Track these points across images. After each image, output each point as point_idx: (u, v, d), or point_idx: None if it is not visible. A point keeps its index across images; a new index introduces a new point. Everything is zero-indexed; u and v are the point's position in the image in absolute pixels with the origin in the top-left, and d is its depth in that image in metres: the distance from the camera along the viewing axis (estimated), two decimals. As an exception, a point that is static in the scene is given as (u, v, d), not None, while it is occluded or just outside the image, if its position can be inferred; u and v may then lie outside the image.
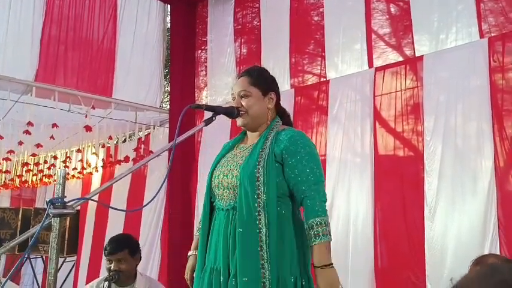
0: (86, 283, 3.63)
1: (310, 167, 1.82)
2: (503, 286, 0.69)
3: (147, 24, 4.93)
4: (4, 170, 6.11)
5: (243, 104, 1.94)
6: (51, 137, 4.15)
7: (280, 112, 2.07)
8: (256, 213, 1.75)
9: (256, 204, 1.76)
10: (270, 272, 1.72)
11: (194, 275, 1.97)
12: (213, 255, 1.86)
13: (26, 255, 3.55)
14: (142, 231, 4.88)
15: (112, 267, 2.70)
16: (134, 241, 2.90)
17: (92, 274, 5.15)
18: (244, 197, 1.78)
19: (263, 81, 2.00)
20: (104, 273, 2.93)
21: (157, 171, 4.85)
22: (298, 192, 1.81)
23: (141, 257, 2.90)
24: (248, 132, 2.04)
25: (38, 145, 4.23)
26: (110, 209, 5.35)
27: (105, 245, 2.78)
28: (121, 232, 4.92)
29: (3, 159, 4.89)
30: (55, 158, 5.43)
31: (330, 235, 1.75)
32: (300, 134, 1.93)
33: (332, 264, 1.72)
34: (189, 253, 2.09)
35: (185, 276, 2.05)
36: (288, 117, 2.11)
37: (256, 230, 1.75)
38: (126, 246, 2.75)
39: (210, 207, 1.96)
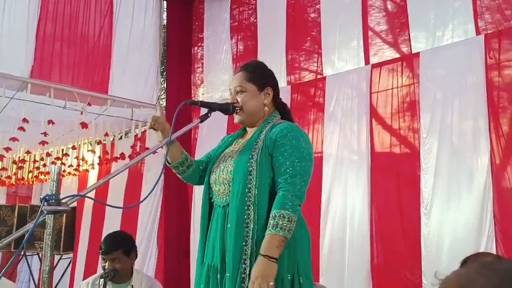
0: (83, 280, 3.62)
1: (291, 160, 1.76)
2: None
3: (143, 21, 4.91)
4: (0, 167, 6.09)
5: (238, 99, 1.94)
6: (44, 133, 4.11)
7: (280, 107, 2.04)
8: (246, 208, 1.74)
9: (246, 199, 1.74)
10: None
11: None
12: (211, 252, 1.85)
13: (21, 252, 3.54)
14: (140, 228, 4.87)
15: (106, 266, 2.69)
16: (129, 240, 2.88)
17: (89, 271, 5.14)
18: (236, 191, 1.77)
19: (259, 77, 1.99)
20: (101, 269, 2.93)
21: (154, 168, 4.84)
22: (276, 184, 1.77)
23: (137, 255, 2.89)
24: (247, 128, 2.04)
25: (43, 142, 4.21)
26: (106, 206, 5.34)
27: (100, 244, 2.77)
28: (118, 229, 4.92)
29: (1, 156, 4.86)
30: (48, 155, 5.40)
31: (288, 232, 1.65)
32: (293, 126, 1.88)
33: (276, 260, 1.63)
34: None
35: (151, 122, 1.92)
36: (288, 112, 2.06)
37: (244, 225, 1.73)
38: (120, 245, 2.73)
39: (209, 204, 1.95)
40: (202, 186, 2.01)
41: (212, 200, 1.94)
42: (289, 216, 1.66)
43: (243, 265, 1.70)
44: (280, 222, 1.65)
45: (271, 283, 1.60)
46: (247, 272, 1.68)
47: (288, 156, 1.76)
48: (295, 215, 1.69)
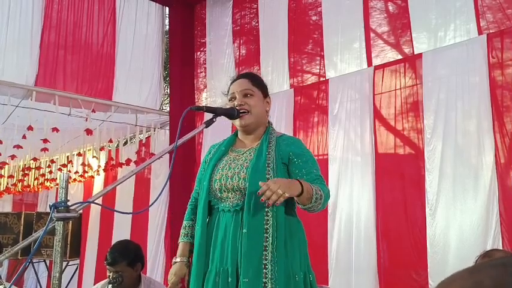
0: (93, 285, 3.64)
1: (315, 168, 1.90)
2: None
3: (146, 27, 4.94)
4: (7, 174, 6.12)
5: (248, 102, 1.93)
6: (45, 140, 4.13)
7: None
8: (264, 214, 1.76)
9: (264, 205, 1.74)
10: (275, 272, 1.72)
11: (187, 279, 1.93)
12: (219, 257, 1.83)
13: (29, 261, 3.56)
14: (150, 235, 4.90)
15: (111, 276, 2.72)
16: (135, 251, 2.84)
17: (100, 277, 5.15)
18: (254, 198, 1.77)
19: (263, 84, 2.03)
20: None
21: (162, 175, 4.87)
22: (309, 181, 1.83)
23: (143, 265, 2.89)
24: (242, 136, 2.02)
25: (44, 149, 4.23)
26: (115, 212, 5.36)
27: (107, 253, 2.78)
28: (128, 235, 4.94)
29: (4, 163, 4.89)
30: (52, 162, 5.43)
31: (314, 199, 1.71)
32: (300, 140, 2.07)
33: (300, 193, 1.66)
34: (175, 259, 2.02)
35: (170, 281, 1.96)
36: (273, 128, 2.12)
37: (262, 230, 1.75)
38: (124, 258, 2.73)
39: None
40: None
41: (214, 206, 1.92)
42: (321, 198, 1.76)
43: (264, 270, 1.72)
44: (318, 193, 1.73)
45: (287, 194, 1.61)
46: (269, 277, 1.71)
47: (312, 165, 1.90)
48: (324, 205, 1.81)
